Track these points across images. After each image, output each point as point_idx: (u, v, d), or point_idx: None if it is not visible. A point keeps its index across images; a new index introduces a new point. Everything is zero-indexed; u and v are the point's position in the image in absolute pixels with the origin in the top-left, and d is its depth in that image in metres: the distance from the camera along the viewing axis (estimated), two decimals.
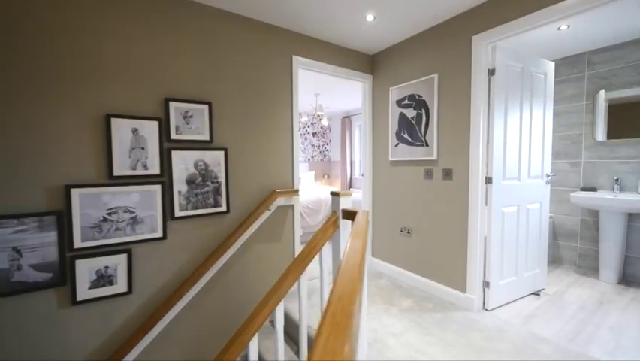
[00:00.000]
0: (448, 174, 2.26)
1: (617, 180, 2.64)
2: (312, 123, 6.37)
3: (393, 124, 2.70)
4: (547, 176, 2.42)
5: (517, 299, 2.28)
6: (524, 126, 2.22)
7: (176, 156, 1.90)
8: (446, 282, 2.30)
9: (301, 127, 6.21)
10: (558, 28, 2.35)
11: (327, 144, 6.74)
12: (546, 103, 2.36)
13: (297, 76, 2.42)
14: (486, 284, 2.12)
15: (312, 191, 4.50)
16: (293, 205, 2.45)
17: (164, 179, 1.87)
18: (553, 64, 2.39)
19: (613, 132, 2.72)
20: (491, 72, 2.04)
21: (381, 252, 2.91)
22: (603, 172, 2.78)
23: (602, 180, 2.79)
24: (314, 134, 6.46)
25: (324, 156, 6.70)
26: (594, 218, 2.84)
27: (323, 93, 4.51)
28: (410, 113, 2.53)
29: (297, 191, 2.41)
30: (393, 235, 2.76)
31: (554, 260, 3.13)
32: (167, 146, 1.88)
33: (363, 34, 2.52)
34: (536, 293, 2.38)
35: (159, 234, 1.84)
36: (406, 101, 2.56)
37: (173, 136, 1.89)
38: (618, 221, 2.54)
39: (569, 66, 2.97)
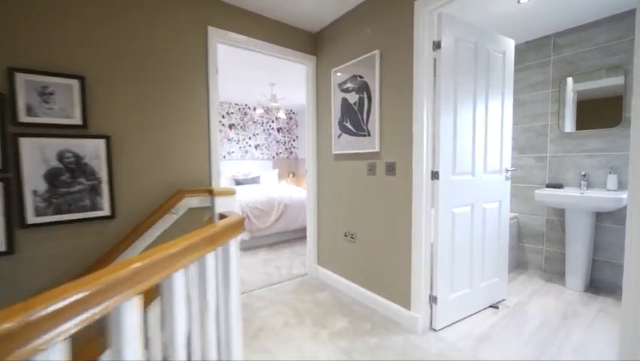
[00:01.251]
0: (391, 168, 1.90)
1: (584, 175, 2.38)
2: (276, 118, 5.95)
3: (336, 112, 2.33)
4: (507, 171, 2.11)
5: (472, 314, 1.96)
6: (479, 113, 1.90)
7: (28, 144, 1.44)
8: (391, 297, 1.95)
9: (263, 122, 5.78)
10: (518, 2, 2.04)
11: (294, 140, 6.34)
12: (505, 86, 2.05)
13: (214, 52, 2.01)
14: (433, 300, 1.78)
15: (263, 190, 4.08)
16: (212, 207, 2.03)
17: (9, 175, 1.41)
18: (512, 42, 2.08)
19: (580, 122, 2.45)
20: (436, 45, 1.70)
21: (326, 260, 2.54)
22: (570, 167, 2.51)
23: (569, 176, 2.52)
24: (279, 129, 6.04)
25: (291, 153, 6.29)
26: (560, 218, 2.57)
27: (280, 83, 4.10)
28: (352, 98, 2.16)
29: (212, 191, 1.98)
30: (338, 240, 2.39)
31: (519, 264, 2.85)
32: (14, 131, 1.42)
33: (302, 8, 2.13)
34: (494, 306, 2.06)
35: (1, 248, 1.38)
36: (348, 84, 2.19)
37: (24, 118, 1.43)
38: (585, 221, 2.27)
39: (534, 51, 2.69)
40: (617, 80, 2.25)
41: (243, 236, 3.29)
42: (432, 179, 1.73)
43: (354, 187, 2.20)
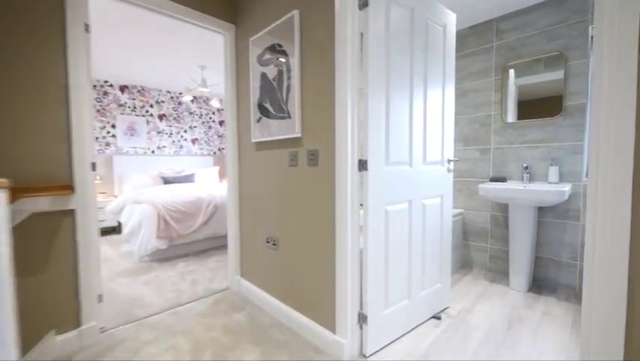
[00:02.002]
0: (313, 157, 1.53)
1: (527, 167, 2.24)
2: (217, 110, 5.35)
3: (255, 91, 1.91)
4: (449, 162, 1.87)
5: (412, 330, 1.66)
6: (417, 94, 1.61)
7: None
8: (316, 317, 1.58)
9: (202, 113, 5.15)
10: None
11: None
12: (446, 65, 1.80)
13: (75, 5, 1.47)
14: (362, 319, 1.44)
15: (191, 189, 3.53)
16: (73, 210, 1.49)
17: None
18: (454, 15, 1.83)
19: (522, 112, 2.32)
20: (363, 4, 1.36)
21: (249, 271, 2.10)
22: (513, 159, 2.37)
23: (512, 169, 2.38)
24: (221, 122, 5.45)
25: None
26: (504, 213, 2.43)
27: (213, 67, 3.56)
28: (271, 72, 1.76)
29: (71, 187, 1.45)
30: (260, 247, 1.98)
31: (465, 264, 2.68)
32: None
33: None
34: (437, 317, 1.80)
35: None
36: (267, 56, 1.78)
37: None
38: (528, 216, 2.12)
39: (477, 36, 2.53)
40: (557, 75, 2.13)
41: (159, 244, 2.72)
42: (359, 170, 1.39)
43: (275, 182, 1.80)
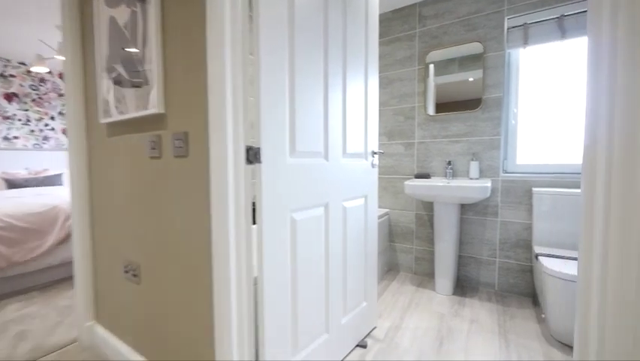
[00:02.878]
0: (182, 144, 1.01)
1: (450, 163, 2.12)
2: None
3: (101, 44, 1.27)
4: (374, 154, 1.56)
5: None
6: (333, 67, 1.23)
7: None
8: None
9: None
10: None
11: None
12: (369, 40, 1.48)
13: None
14: None
15: (41, 196, 2.57)
16: None
17: None
18: None
19: (443, 104, 2.20)
20: None
21: (107, 313, 1.44)
22: (436, 154, 2.24)
23: (436, 165, 2.24)
24: None
25: None
26: (429, 212, 2.29)
27: None
28: (122, 15, 1.16)
29: None
30: (117, 278, 1.35)
31: (391, 267, 2.48)
32: None
33: None
34: (362, 345, 1.47)
35: None
36: None
37: None
38: (452, 214, 1.98)
39: (400, 21, 2.33)
40: (475, 74, 2.05)
41: None
42: (248, 162, 0.92)
43: (132, 181, 1.21)
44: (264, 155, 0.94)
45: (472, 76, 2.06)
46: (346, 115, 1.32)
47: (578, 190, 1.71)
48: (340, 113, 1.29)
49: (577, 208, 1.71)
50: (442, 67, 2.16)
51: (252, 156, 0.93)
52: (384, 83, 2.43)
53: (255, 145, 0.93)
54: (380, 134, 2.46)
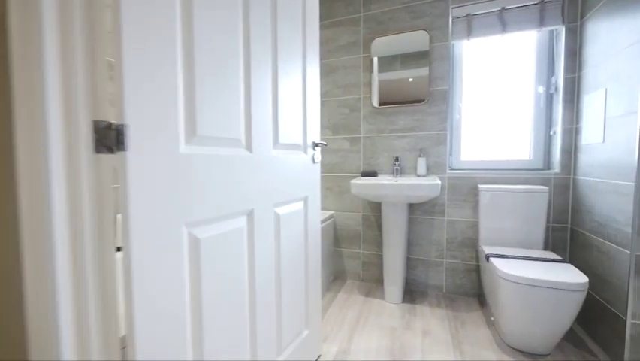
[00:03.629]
0: None
1: (397, 159, 1.96)
2: None
3: None
4: (316, 146, 1.28)
5: None
6: (258, 26, 0.90)
7: None
8: None
9: None
10: None
11: None
12: (306, 13, 1.19)
13: None
14: None
15: None
16: None
17: None
18: None
19: (387, 95, 2.04)
20: None
21: None
22: (383, 150, 2.07)
23: (383, 161, 2.07)
24: None
25: None
26: (376, 213, 2.11)
27: None
28: None
29: None
30: None
31: (337, 275, 2.25)
32: None
33: None
34: None
35: None
36: None
37: None
38: (401, 214, 1.82)
39: (344, 3, 2.11)
40: (421, 72, 1.92)
41: None
42: (100, 150, 0.55)
43: None
44: (134, 138, 0.57)
45: (412, 75, 1.93)
46: (278, 98, 1.01)
47: (520, 186, 1.68)
48: (270, 90, 0.97)
49: (519, 204, 1.68)
50: (387, 63, 2.00)
51: (110, 139, 0.55)
52: (326, 71, 2.18)
53: (116, 121, 0.56)
54: (323, 128, 2.21)
